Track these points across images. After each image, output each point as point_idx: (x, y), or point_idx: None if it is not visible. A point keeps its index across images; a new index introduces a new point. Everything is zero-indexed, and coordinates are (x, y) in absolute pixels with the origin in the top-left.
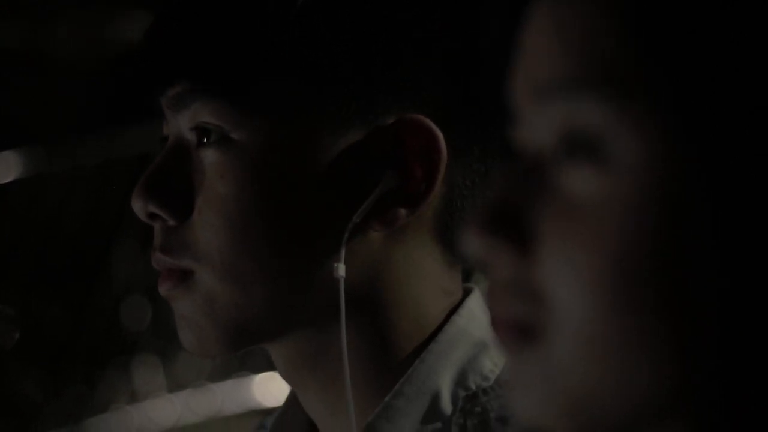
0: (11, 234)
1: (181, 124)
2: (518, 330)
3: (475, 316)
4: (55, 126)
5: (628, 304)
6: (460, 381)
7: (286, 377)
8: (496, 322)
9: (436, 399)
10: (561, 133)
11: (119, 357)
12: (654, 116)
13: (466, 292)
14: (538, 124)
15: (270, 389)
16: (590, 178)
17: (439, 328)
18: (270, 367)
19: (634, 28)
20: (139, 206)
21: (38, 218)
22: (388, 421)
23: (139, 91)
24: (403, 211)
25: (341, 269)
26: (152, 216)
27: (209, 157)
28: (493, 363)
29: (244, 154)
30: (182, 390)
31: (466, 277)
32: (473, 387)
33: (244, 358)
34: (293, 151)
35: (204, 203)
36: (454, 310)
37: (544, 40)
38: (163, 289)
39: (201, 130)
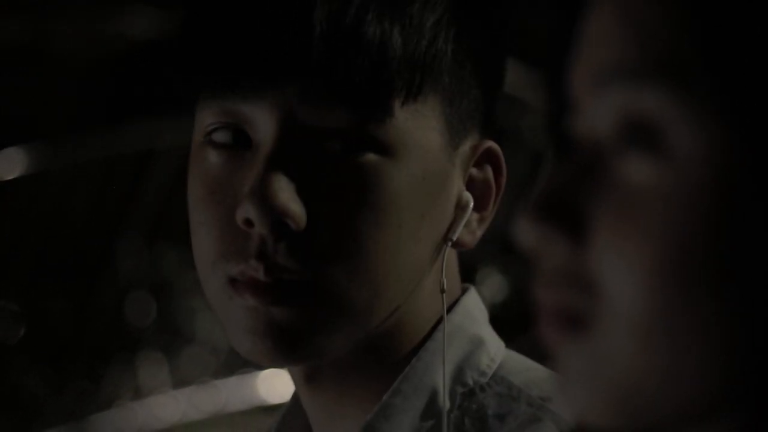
0: (15, 230)
1: (305, 122)
2: (566, 319)
3: (470, 313)
4: (58, 123)
5: (682, 296)
6: (457, 377)
7: (302, 383)
8: (542, 312)
9: (433, 396)
10: (619, 121)
11: (123, 353)
12: (713, 106)
13: (463, 291)
14: (596, 113)
15: (274, 386)
16: (647, 168)
17: (436, 326)
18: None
19: (695, 17)
20: (262, 212)
21: (42, 214)
22: (386, 420)
23: (265, 78)
24: (479, 232)
25: (446, 284)
26: (276, 223)
27: (349, 165)
28: (490, 358)
29: (388, 167)
30: (186, 386)
31: (470, 275)
32: (470, 383)
33: None
34: (428, 169)
35: (330, 213)
36: (450, 309)
37: (605, 29)
38: (266, 299)
39: (338, 135)
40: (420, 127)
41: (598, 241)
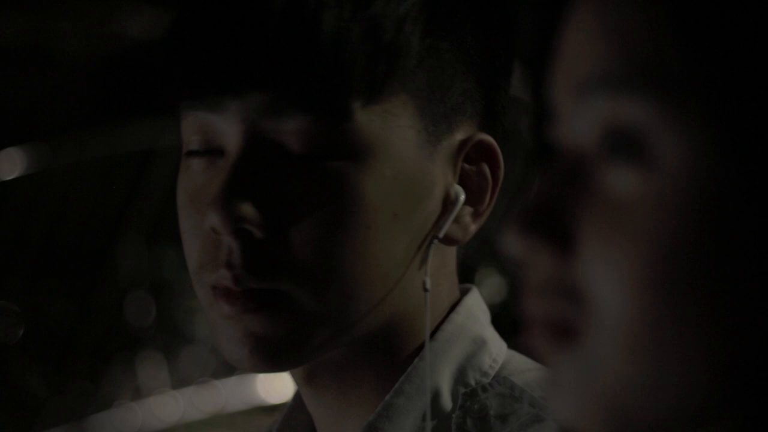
0: (15, 230)
1: (270, 131)
2: (556, 330)
3: (473, 313)
4: (59, 122)
5: (669, 305)
6: (460, 378)
7: (303, 382)
8: (531, 323)
9: (436, 396)
10: (603, 130)
11: (123, 353)
12: (697, 114)
13: (465, 292)
14: (579, 122)
15: (274, 386)
16: (632, 177)
17: (438, 326)
18: None
19: (678, 26)
20: (222, 219)
21: (42, 214)
22: (388, 420)
23: (216, 88)
24: (473, 227)
25: (429, 282)
26: (238, 231)
27: (315, 171)
28: (492, 359)
29: (353, 172)
30: (186, 386)
31: (468, 276)
32: (473, 383)
33: None
34: (398, 169)
35: (310, 219)
36: (452, 309)
37: (587, 36)
38: (238, 309)
39: (306, 141)
40: (387, 126)
41: (584, 251)
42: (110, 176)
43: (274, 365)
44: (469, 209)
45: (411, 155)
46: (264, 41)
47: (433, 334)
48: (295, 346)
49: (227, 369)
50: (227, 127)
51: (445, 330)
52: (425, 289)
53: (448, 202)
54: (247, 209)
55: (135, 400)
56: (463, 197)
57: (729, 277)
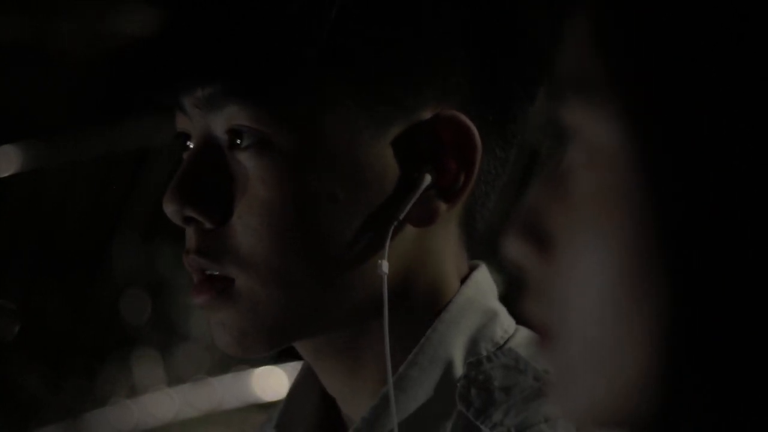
0: (11, 227)
1: (211, 124)
2: (540, 332)
3: (481, 287)
4: (56, 120)
5: (614, 304)
6: (472, 348)
7: (312, 362)
8: (529, 324)
9: (449, 367)
10: (560, 131)
11: (119, 351)
12: (616, 113)
13: (473, 268)
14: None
15: (270, 383)
16: (579, 175)
17: (449, 300)
18: (270, 361)
19: (600, 51)
20: (173, 209)
21: (38, 212)
22: (402, 391)
23: (162, 88)
24: (443, 207)
25: (385, 266)
26: (187, 219)
27: (248, 160)
28: (504, 330)
29: (285, 157)
30: (182, 384)
31: (471, 257)
32: (484, 354)
33: None
34: (335, 153)
35: (244, 208)
36: (461, 283)
37: (566, 54)
38: (202, 300)
39: (236, 133)
40: (320, 112)
41: (558, 253)
42: (107, 174)
43: (246, 351)
44: (438, 190)
45: (349, 139)
46: (202, 41)
47: (445, 305)
48: (257, 332)
49: (223, 366)
50: (190, 122)
51: (456, 302)
52: (381, 274)
53: (411, 183)
54: (194, 202)
55: (131, 397)
56: (428, 178)
57: (653, 268)
